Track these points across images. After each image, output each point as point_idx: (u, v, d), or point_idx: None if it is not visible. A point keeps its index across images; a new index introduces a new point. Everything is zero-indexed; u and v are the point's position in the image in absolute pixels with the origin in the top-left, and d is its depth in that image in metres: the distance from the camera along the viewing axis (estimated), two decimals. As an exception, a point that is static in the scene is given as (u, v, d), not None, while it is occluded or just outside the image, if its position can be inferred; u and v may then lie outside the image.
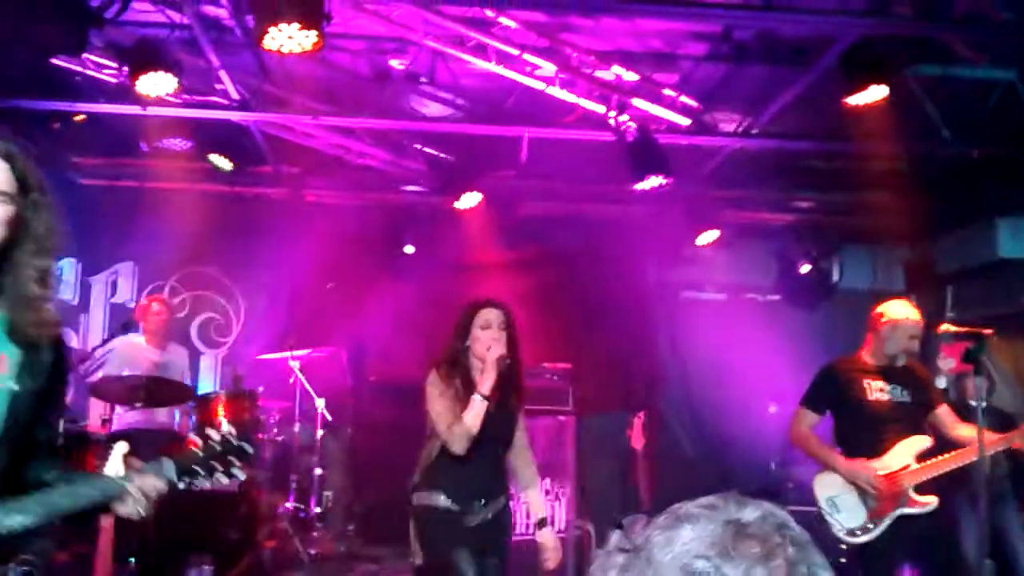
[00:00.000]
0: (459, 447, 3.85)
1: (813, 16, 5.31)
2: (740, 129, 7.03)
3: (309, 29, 4.73)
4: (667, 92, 6.60)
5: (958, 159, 7.01)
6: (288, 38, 4.78)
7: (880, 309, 4.95)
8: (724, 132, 6.99)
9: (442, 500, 3.89)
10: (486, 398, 3.86)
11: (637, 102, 6.42)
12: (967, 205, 7.32)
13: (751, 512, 1.20)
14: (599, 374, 7.73)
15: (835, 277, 8.94)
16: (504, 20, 5.83)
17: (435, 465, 3.95)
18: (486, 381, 3.86)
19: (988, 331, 4.57)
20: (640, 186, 6.47)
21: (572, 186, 7.89)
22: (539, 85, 6.21)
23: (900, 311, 4.88)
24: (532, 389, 6.81)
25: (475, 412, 3.85)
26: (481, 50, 5.94)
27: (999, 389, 6.61)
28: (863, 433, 4.81)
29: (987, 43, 5.85)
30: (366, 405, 7.83)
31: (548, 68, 6.14)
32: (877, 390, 4.83)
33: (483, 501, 3.98)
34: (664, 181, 6.46)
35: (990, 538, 6.18)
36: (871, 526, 4.74)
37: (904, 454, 4.76)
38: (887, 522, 4.71)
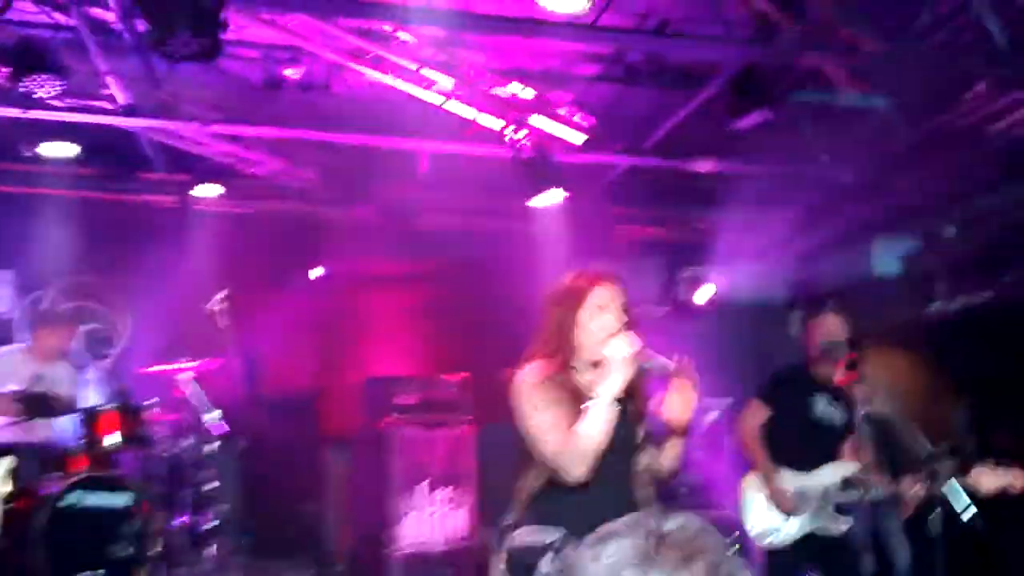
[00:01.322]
0: (578, 470, 2.87)
1: (701, 43, 5.50)
2: (632, 148, 7.21)
3: (204, 37, 4.66)
4: (562, 110, 6.73)
5: (836, 181, 7.37)
6: (182, 45, 4.69)
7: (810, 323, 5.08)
8: (617, 150, 7.15)
9: (558, 536, 2.83)
10: (613, 403, 2.88)
11: (533, 119, 6.52)
12: (845, 225, 7.67)
13: (671, 523, 1.35)
14: (497, 383, 7.76)
15: (723, 291, 9.24)
16: (402, 34, 5.85)
17: (543, 497, 3.01)
18: (611, 381, 2.88)
19: (866, 342, 4.85)
20: (535, 202, 6.58)
21: (469, 199, 7.94)
22: (437, 99, 6.25)
23: (819, 320, 5.02)
24: (431, 400, 6.90)
25: (599, 420, 2.86)
26: (378, 63, 5.94)
27: (877, 398, 6.93)
28: (797, 447, 4.94)
29: (864, 72, 6.16)
30: (259, 418, 7.69)
31: (445, 83, 6.18)
32: (820, 408, 4.98)
33: None
34: (559, 197, 6.58)
35: (873, 541, 6.51)
36: (782, 532, 4.93)
37: (832, 474, 4.93)
38: (797, 533, 4.90)
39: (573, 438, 2.89)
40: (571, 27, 5.54)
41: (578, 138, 6.70)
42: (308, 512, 7.65)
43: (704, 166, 7.28)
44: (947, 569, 5.58)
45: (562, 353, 3.07)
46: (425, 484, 6.57)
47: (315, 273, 8.28)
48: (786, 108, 6.37)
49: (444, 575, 6.43)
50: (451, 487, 6.62)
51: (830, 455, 4.94)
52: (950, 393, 7.63)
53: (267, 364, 8.12)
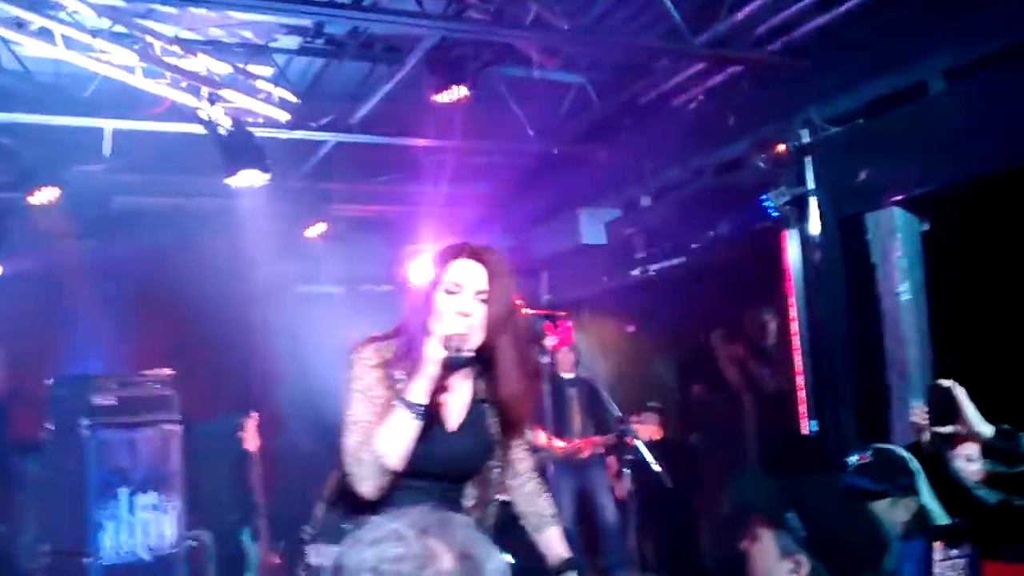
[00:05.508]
0: (364, 485, 2.43)
1: (396, 16, 5.42)
2: (339, 123, 7.05)
3: None
4: (262, 85, 6.44)
5: (543, 154, 7.58)
6: None
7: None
8: (322, 126, 6.97)
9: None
10: (417, 410, 2.41)
11: (230, 94, 6.20)
12: (553, 197, 7.92)
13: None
14: (207, 377, 7.41)
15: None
16: (72, 3, 5.34)
17: (345, 506, 2.54)
18: (416, 382, 2.41)
19: (561, 313, 5.07)
20: (235, 181, 6.26)
21: (169, 179, 7.45)
22: (120, 75, 5.79)
23: None
24: (132, 399, 6.43)
25: (394, 431, 2.41)
26: (47, 35, 5.40)
27: (584, 361, 7.27)
28: None
29: (556, 49, 6.34)
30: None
31: (129, 57, 5.73)
32: None
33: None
34: (262, 175, 6.30)
35: (581, 497, 6.81)
36: None
37: None
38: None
39: (367, 445, 2.43)
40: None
41: (280, 114, 6.45)
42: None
43: (411, 142, 7.26)
44: (641, 520, 5.98)
45: (409, 338, 2.56)
46: (126, 490, 6.15)
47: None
48: (488, 83, 6.46)
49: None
50: (155, 492, 6.24)
51: None
52: (655, 351, 8.14)
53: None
